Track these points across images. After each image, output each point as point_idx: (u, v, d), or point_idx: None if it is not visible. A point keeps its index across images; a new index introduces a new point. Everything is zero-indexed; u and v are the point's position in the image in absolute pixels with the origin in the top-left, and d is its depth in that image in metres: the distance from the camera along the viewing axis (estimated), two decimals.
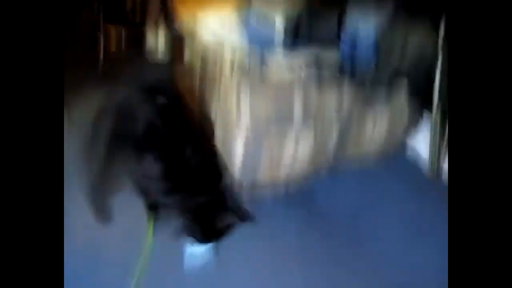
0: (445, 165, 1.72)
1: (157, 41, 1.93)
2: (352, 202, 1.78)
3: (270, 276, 1.40)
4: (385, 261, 1.51)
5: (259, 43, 1.35)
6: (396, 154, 2.00)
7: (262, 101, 1.43)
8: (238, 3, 1.46)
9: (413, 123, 1.95)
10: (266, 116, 1.45)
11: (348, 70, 1.52)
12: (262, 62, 1.50)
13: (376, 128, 1.75)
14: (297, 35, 1.33)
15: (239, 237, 1.52)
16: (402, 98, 1.72)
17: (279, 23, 1.33)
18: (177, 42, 1.92)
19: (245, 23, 1.36)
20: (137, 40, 2.11)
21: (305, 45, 1.36)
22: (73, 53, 2.56)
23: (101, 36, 2.46)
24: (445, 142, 1.66)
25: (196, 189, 1.26)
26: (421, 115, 2.02)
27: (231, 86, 1.45)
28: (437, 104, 1.65)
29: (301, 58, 1.45)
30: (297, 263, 1.47)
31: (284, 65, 1.46)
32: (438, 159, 1.76)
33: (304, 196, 1.79)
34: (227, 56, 1.48)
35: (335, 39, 1.35)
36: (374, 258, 1.52)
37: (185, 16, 1.77)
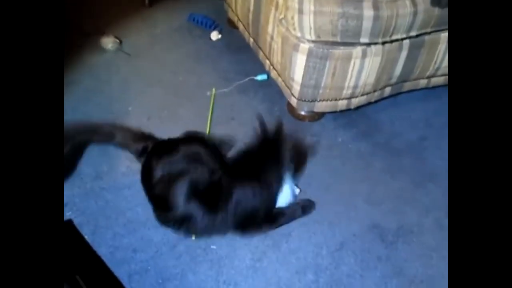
0: None
1: None
2: (417, 129, 1.66)
3: (328, 205, 1.36)
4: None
5: None
6: None
7: (327, 14, 1.31)
8: None
9: None
10: (331, 30, 1.34)
11: None
12: None
13: (447, 51, 1.59)
14: None
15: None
16: None
17: None
18: None
19: None
20: None
21: None
22: None
23: None
24: None
25: None
26: None
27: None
28: None
29: None
30: (358, 191, 1.42)
31: None
32: None
33: (366, 120, 1.68)
34: None
35: None
36: (440, 190, 1.43)
37: None
